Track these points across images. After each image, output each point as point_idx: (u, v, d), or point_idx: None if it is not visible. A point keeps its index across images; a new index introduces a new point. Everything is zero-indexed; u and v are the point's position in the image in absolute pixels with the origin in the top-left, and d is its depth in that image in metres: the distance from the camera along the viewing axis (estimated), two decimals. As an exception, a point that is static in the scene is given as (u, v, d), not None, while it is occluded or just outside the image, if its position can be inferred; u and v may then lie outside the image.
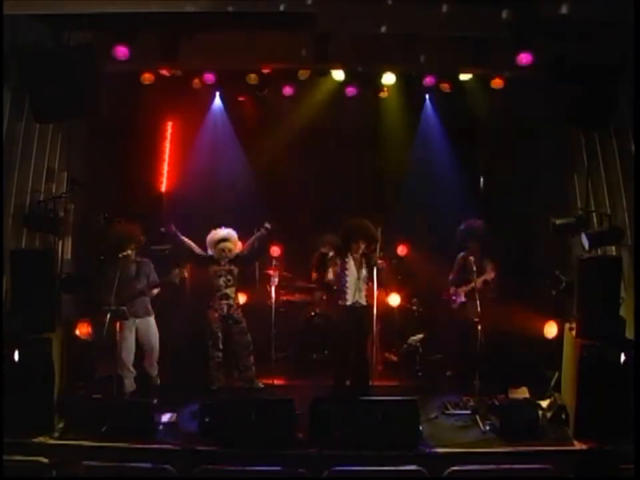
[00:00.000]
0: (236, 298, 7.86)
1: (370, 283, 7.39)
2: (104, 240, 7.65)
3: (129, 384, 7.40)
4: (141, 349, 7.56)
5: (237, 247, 7.87)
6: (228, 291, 7.77)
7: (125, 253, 7.29)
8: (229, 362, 7.90)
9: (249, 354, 7.83)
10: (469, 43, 7.24)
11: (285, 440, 6.44)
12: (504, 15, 6.30)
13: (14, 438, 6.09)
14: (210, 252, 7.83)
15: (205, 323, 7.85)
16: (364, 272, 7.39)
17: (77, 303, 8.24)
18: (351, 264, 7.42)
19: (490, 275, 8.06)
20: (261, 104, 9.39)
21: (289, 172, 9.61)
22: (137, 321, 7.45)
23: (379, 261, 7.33)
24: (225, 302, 7.75)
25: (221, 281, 7.76)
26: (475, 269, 7.75)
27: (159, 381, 7.70)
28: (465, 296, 8.17)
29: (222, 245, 7.72)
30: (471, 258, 7.90)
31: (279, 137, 9.55)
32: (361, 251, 7.36)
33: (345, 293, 7.39)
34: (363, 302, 7.40)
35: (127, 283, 7.32)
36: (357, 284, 7.37)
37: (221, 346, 7.74)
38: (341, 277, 7.44)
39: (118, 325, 7.21)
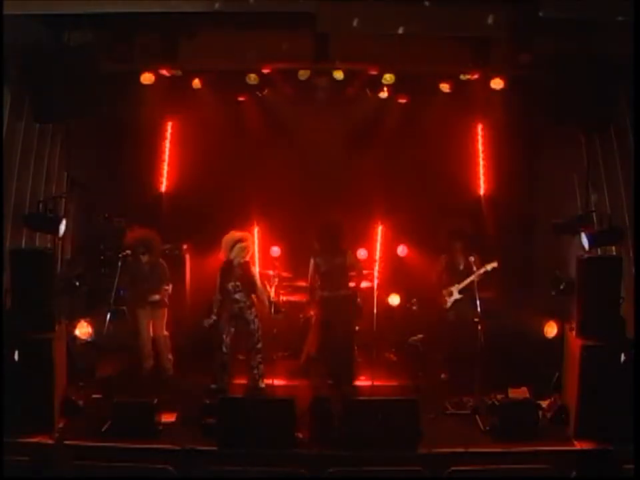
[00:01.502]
0: (247, 300, 7.88)
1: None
2: (124, 242, 8.08)
3: (148, 363, 7.91)
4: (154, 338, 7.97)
5: (253, 247, 8.12)
6: (237, 296, 7.80)
7: (142, 255, 7.85)
8: (234, 363, 7.90)
9: (256, 352, 7.83)
10: (469, 43, 7.24)
11: (285, 440, 6.44)
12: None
13: (14, 438, 6.09)
14: (225, 254, 7.85)
15: (215, 324, 7.86)
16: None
17: (77, 303, 8.24)
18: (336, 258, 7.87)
19: (492, 265, 7.99)
20: (260, 104, 9.39)
21: (289, 171, 9.59)
22: (152, 311, 7.95)
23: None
24: (235, 305, 7.78)
25: (230, 286, 7.79)
26: (461, 267, 7.99)
27: (169, 373, 8.01)
28: (460, 292, 8.15)
29: (241, 244, 7.77)
30: (456, 257, 8.07)
31: (279, 137, 9.56)
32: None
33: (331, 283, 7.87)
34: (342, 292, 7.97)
35: (140, 281, 7.89)
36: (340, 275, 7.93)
37: (224, 349, 7.72)
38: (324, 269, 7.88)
39: (137, 315, 7.93)
